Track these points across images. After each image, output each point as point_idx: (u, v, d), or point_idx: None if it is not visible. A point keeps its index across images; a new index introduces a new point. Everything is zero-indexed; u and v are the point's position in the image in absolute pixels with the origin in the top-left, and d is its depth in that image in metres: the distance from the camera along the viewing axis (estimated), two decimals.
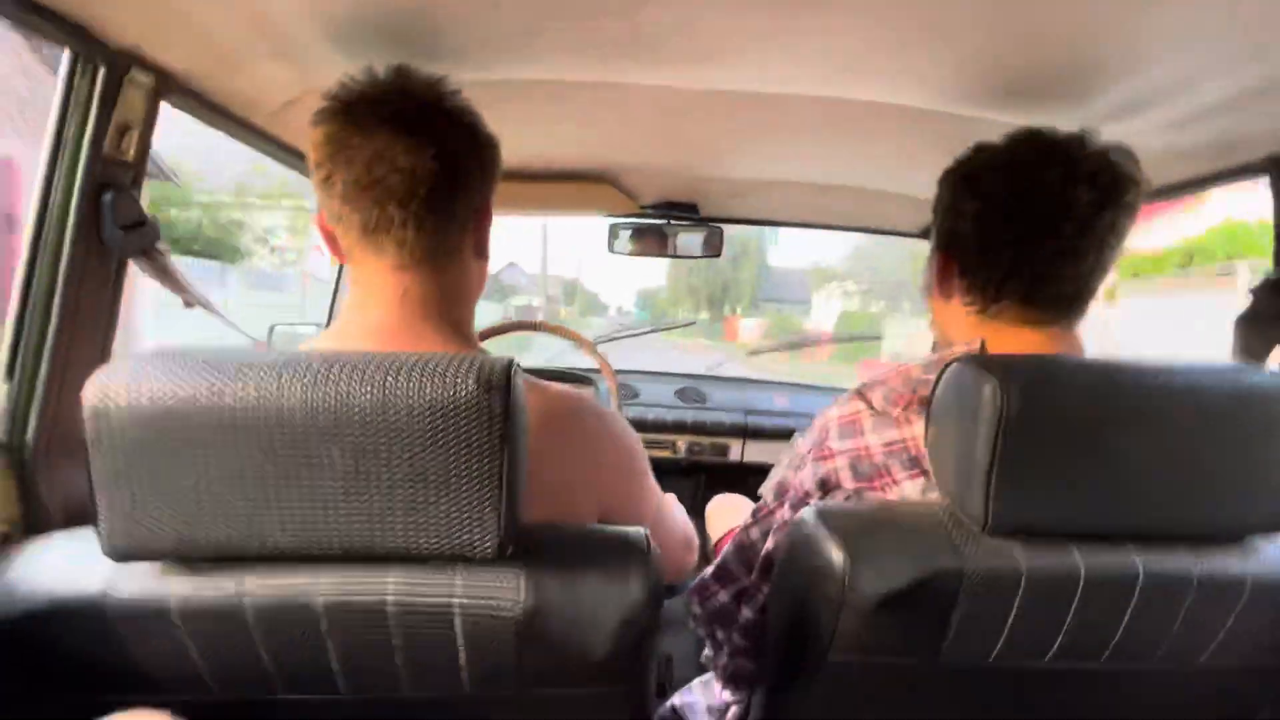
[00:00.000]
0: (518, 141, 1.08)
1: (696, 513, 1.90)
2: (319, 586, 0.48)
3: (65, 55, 0.66)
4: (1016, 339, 0.66)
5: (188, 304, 0.77)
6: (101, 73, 0.66)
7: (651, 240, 1.60)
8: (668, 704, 0.94)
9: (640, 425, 1.77)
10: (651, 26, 0.72)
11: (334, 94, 0.58)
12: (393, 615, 0.48)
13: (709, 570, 0.81)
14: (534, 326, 1.43)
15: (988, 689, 0.61)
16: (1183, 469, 0.53)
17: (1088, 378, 0.52)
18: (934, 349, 0.76)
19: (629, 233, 1.59)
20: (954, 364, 0.56)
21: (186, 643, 0.49)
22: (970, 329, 0.69)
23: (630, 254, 1.62)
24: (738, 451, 1.86)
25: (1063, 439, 0.52)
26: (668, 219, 1.57)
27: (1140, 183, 0.62)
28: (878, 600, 0.54)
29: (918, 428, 0.64)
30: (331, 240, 0.62)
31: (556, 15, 0.71)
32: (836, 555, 0.55)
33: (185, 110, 0.79)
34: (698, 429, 1.85)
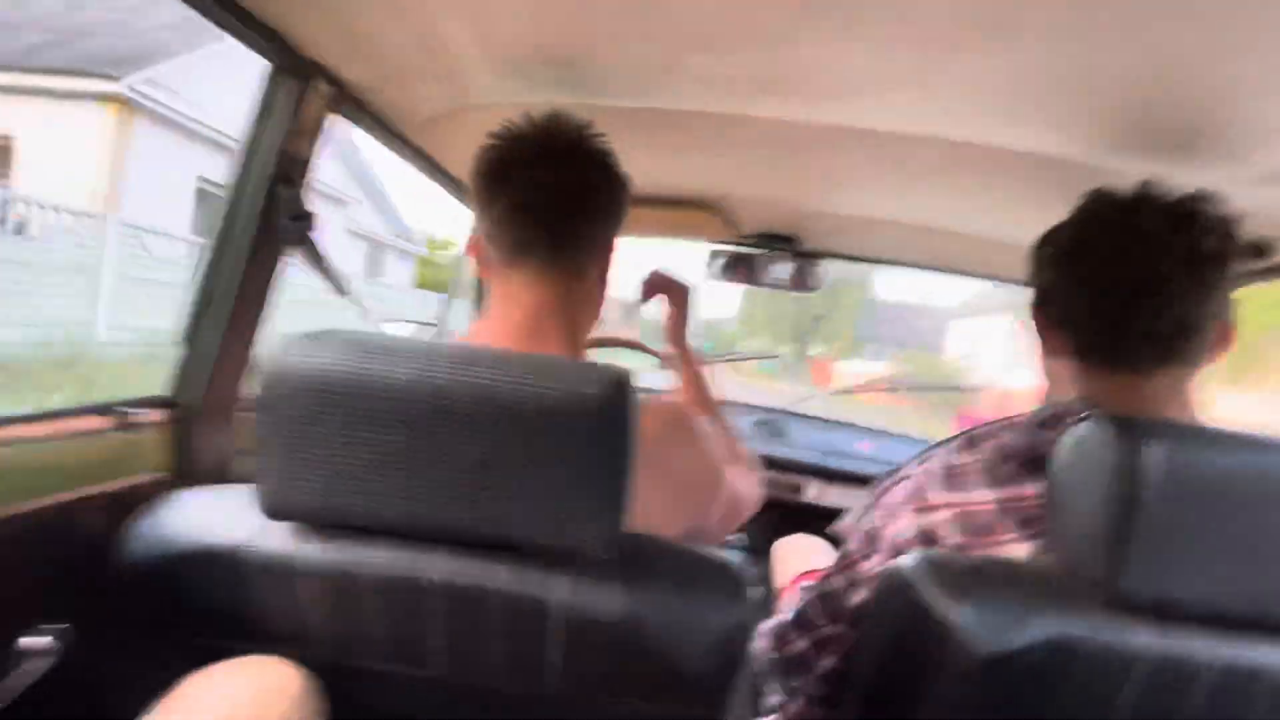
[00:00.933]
0: (632, 166, 1.12)
1: (763, 551, 1.87)
2: (433, 567, 0.51)
3: (266, 66, 0.76)
4: (1126, 392, 0.63)
5: (339, 292, 0.85)
6: (292, 82, 0.75)
7: (745, 269, 1.60)
8: None
9: None
10: (791, 64, 0.74)
11: (497, 134, 0.67)
12: (495, 605, 0.50)
13: (787, 616, 0.79)
14: (629, 344, 1.47)
15: None
16: None
17: (1224, 448, 0.49)
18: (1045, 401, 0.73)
19: (724, 260, 1.61)
20: (1080, 422, 0.54)
21: (306, 603, 0.52)
22: (1081, 384, 0.67)
23: (723, 280, 1.63)
24: (812, 492, 1.81)
25: (1196, 512, 0.48)
26: (766, 249, 1.57)
27: (1246, 249, 0.62)
28: (982, 660, 0.51)
29: (1031, 487, 0.61)
30: (483, 258, 0.71)
31: (702, 49, 0.74)
32: (941, 607, 0.52)
33: (349, 119, 0.88)
34: (773, 464, 1.81)
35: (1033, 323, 0.71)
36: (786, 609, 0.81)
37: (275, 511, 0.51)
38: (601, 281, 0.73)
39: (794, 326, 29.88)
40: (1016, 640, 0.51)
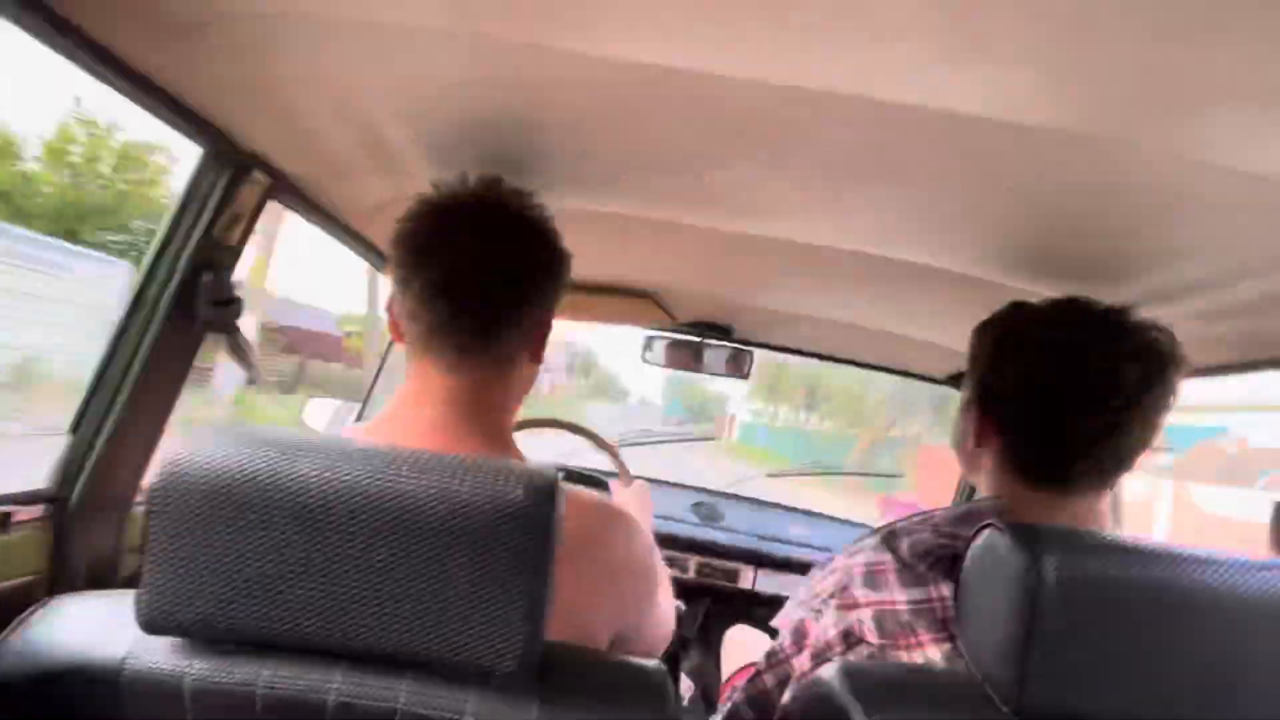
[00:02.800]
0: (573, 258, 1.16)
1: (703, 640, 1.82)
2: (332, 685, 0.47)
3: (198, 152, 0.75)
4: (1049, 505, 0.65)
5: (251, 381, 0.81)
6: (226, 170, 0.75)
7: (683, 354, 1.65)
8: None
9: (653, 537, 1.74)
10: (717, 185, 0.80)
11: (425, 197, 0.62)
12: None
13: (717, 717, 0.77)
14: (565, 425, 1.45)
15: None
16: (1223, 669, 0.51)
17: (1127, 559, 0.51)
18: (960, 496, 0.76)
19: (663, 344, 1.65)
20: (988, 529, 0.55)
21: None
22: (1002, 486, 0.69)
23: (661, 365, 1.66)
24: (748, 578, 1.80)
25: (1100, 623, 0.50)
26: (701, 336, 1.63)
27: (1183, 362, 0.63)
28: None
29: (945, 588, 0.63)
30: (396, 329, 0.65)
31: (634, 166, 0.79)
32: (858, 718, 0.52)
33: (289, 206, 0.88)
34: (709, 550, 1.80)
35: (970, 412, 0.72)
36: (719, 711, 0.78)
37: (154, 624, 0.47)
38: (533, 362, 0.67)
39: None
40: None
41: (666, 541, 1.77)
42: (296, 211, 0.89)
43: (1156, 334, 0.63)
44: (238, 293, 0.76)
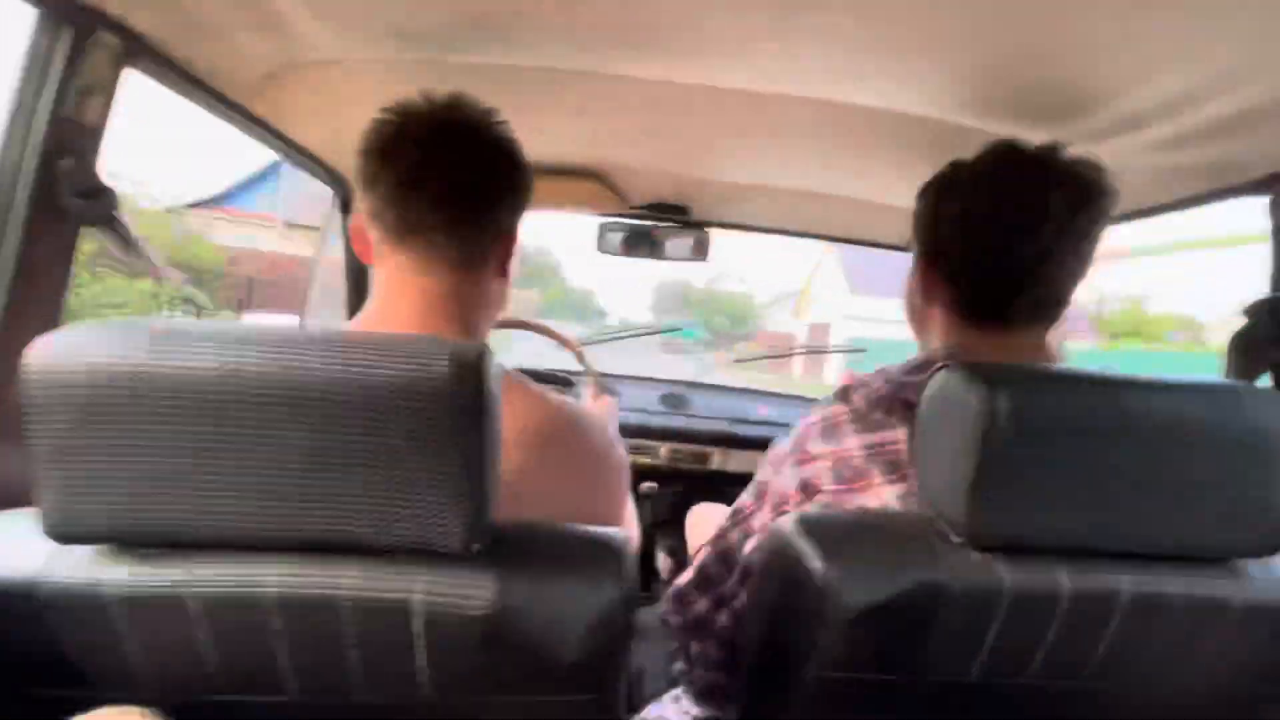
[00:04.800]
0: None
1: (676, 520, 1.89)
2: (270, 578, 0.45)
3: (32, 12, 0.63)
4: (996, 344, 0.66)
5: (151, 275, 0.73)
6: (67, 32, 0.63)
7: (639, 242, 1.58)
8: (637, 718, 0.91)
9: (623, 430, 1.77)
10: (647, 17, 0.71)
11: (390, 109, 0.61)
12: (347, 611, 0.45)
13: (687, 576, 0.79)
14: (530, 326, 1.40)
15: (968, 706, 0.59)
16: (1170, 488, 0.52)
17: (1077, 390, 0.51)
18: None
19: (618, 234, 1.57)
20: (942, 370, 0.54)
21: (124, 636, 0.46)
22: (950, 334, 0.69)
23: (619, 255, 1.60)
24: (719, 460, 1.84)
25: (1050, 452, 0.50)
26: (657, 220, 1.55)
27: (1111, 192, 0.64)
28: (857, 612, 0.52)
29: (900, 431, 0.63)
30: (363, 241, 0.64)
31: (563, 5, 0.68)
32: (816, 565, 0.53)
33: (154, 78, 0.75)
34: (680, 436, 1.84)
35: (916, 271, 0.73)
36: (688, 571, 0.80)
37: (62, 534, 0.44)
38: (501, 274, 0.67)
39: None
40: (887, 590, 0.52)
41: (637, 432, 1.80)
42: (164, 83, 0.77)
43: (1083, 165, 0.64)
44: (106, 180, 0.67)
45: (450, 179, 0.60)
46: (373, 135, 0.61)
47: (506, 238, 0.66)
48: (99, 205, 0.66)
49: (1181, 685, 0.57)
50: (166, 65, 0.74)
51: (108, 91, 0.67)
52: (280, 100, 0.90)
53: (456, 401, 0.42)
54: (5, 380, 0.64)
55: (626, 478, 0.72)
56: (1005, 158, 0.66)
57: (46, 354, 0.42)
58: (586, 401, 1.29)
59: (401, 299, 0.61)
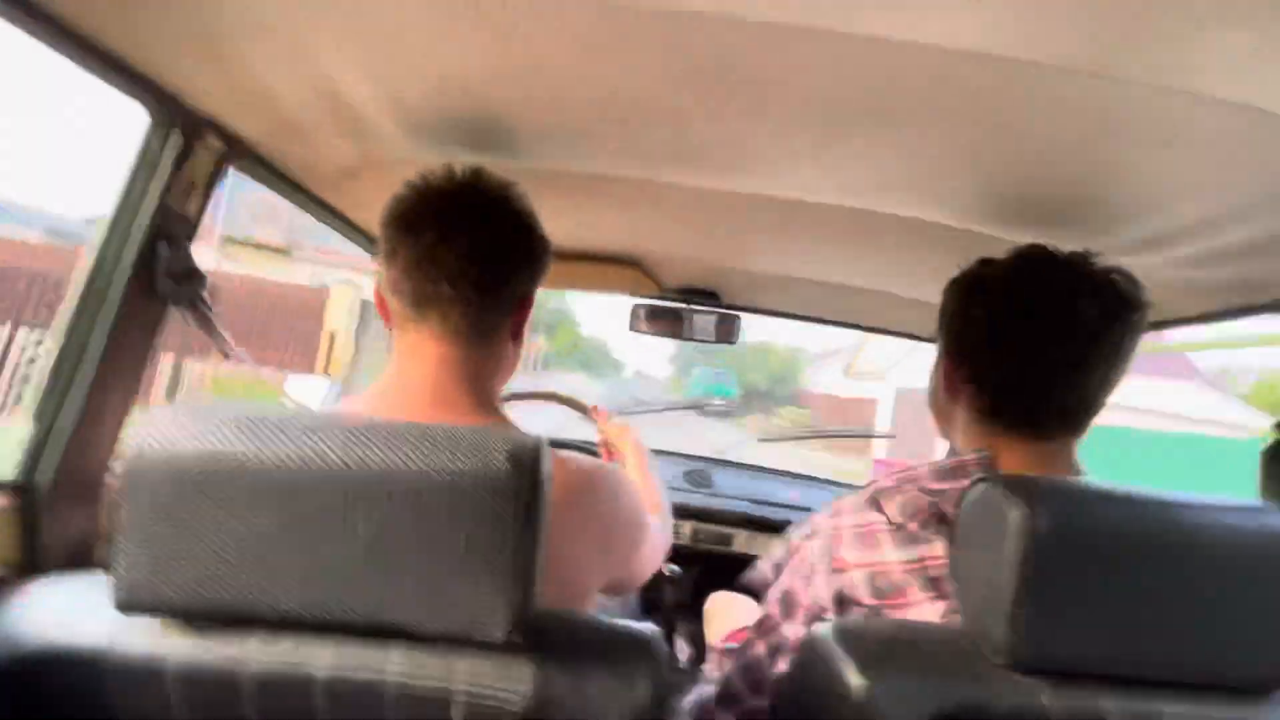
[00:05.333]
0: (553, 224, 1.13)
1: (695, 605, 1.84)
2: (320, 659, 0.46)
3: (144, 114, 0.71)
4: (1022, 451, 0.65)
5: (225, 355, 0.78)
6: (176, 134, 0.71)
7: (670, 322, 1.64)
8: None
9: None
10: (697, 138, 0.77)
11: (413, 183, 0.64)
12: (391, 697, 0.46)
13: (710, 690, 0.76)
14: (552, 397, 1.43)
15: None
16: (1215, 612, 0.51)
17: (1122, 507, 0.51)
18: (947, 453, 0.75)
19: (649, 314, 1.63)
20: (979, 484, 0.55)
21: (179, 708, 0.47)
22: (976, 437, 0.69)
23: (648, 333, 1.65)
24: (741, 542, 1.81)
25: (1094, 572, 0.50)
26: (688, 303, 1.61)
27: (1146, 305, 0.63)
28: None
29: (938, 546, 0.62)
30: (384, 308, 0.67)
31: (609, 119, 0.75)
32: (854, 679, 0.52)
33: (249, 175, 0.84)
34: (702, 515, 1.81)
35: (940, 366, 0.73)
36: (708, 682, 0.78)
37: (130, 604, 0.46)
38: (515, 340, 0.70)
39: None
40: (928, 708, 0.51)
41: None
42: (255, 178, 0.85)
43: (1116, 275, 0.64)
44: (199, 265, 0.73)
45: (469, 255, 0.62)
46: (394, 207, 0.64)
47: (522, 306, 0.68)
48: (189, 288, 0.72)
49: None
50: (261, 164, 0.82)
51: (209, 186, 0.74)
52: (355, 193, 0.98)
53: (513, 494, 0.44)
54: (86, 448, 0.68)
55: (642, 532, 0.72)
56: (1035, 262, 0.66)
57: (146, 433, 0.45)
58: (602, 431, 1.29)
59: (419, 366, 0.63)
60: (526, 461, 0.45)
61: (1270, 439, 0.79)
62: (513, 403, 1.50)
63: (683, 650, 1.66)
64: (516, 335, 0.70)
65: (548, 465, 0.47)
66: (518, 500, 0.44)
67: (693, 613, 1.85)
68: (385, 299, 0.66)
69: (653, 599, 1.64)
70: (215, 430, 0.45)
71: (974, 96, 0.61)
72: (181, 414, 0.46)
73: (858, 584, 0.64)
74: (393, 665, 0.46)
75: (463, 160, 0.83)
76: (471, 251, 0.62)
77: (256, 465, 0.44)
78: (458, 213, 0.62)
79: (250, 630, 0.47)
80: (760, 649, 0.72)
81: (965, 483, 0.58)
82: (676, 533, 1.81)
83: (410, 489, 0.44)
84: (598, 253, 1.34)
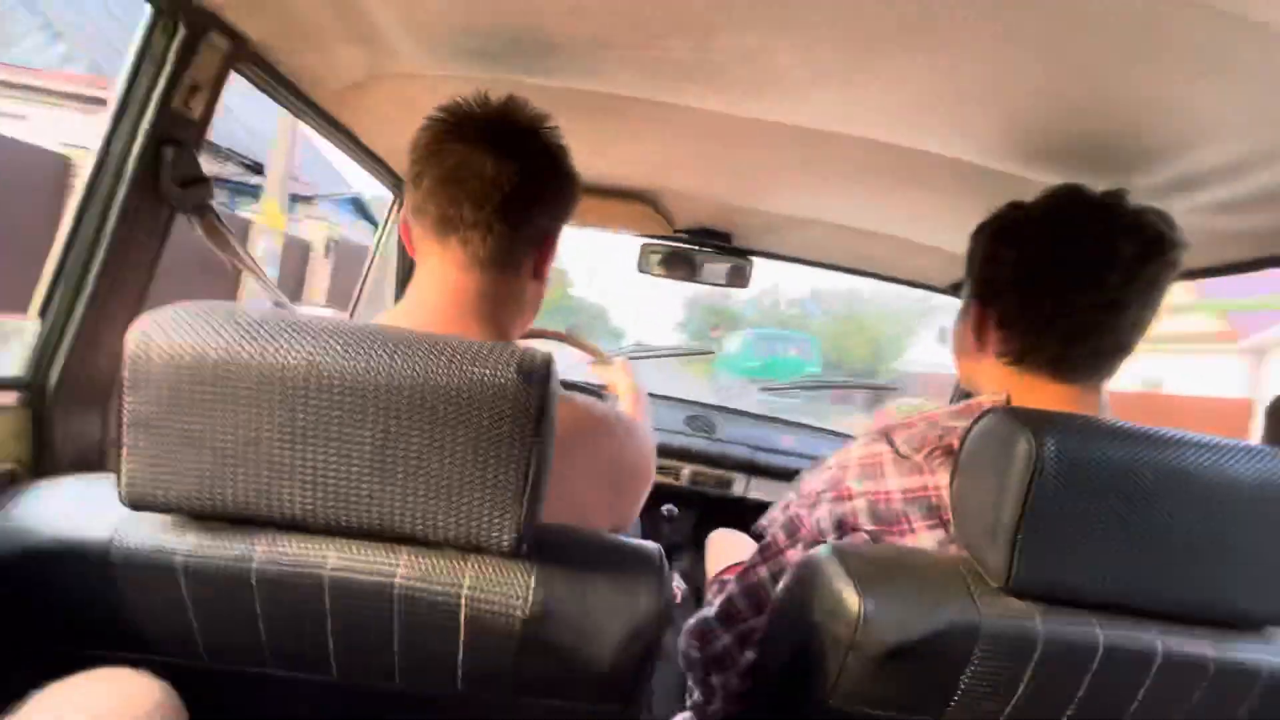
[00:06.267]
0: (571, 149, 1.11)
1: (691, 545, 1.88)
2: (328, 559, 0.47)
3: (146, 8, 0.68)
4: (1046, 393, 0.64)
5: (236, 267, 0.77)
6: (180, 31, 0.68)
7: (680, 264, 1.61)
8: None
9: None
10: (721, 54, 0.73)
11: (444, 107, 0.62)
12: (398, 599, 0.47)
13: (711, 611, 0.78)
14: (564, 338, 1.43)
15: None
16: (1212, 549, 0.52)
17: (1126, 443, 0.51)
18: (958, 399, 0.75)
19: (659, 255, 1.60)
20: (988, 414, 0.55)
21: (186, 603, 0.48)
22: (1000, 381, 0.68)
23: (657, 275, 1.63)
24: (741, 486, 1.84)
25: (1094, 504, 0.50)
26: (700, 245, 1.58)
27: (1182, 244, 0.62)
28: (889, 648, 0.52)
29: (941, 477, 0.63)
30: (408, 235, 0.66)
31: (630, 30, 0.72)
32: (850, 596, 0.53)
33: (251, 81, 0.81)
34: (703, 459, 1.83)
35: (967, 314, 0.71)
36: (710, 605, 0.80)
37: (137, 501, 0.46)
38: (538, 278, 0.68)
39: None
40: (921, 627, 0.52)
41: (661, 452, 1.80)
42: (258, 86, 0.82)
43: (1153, 214, 0.62)
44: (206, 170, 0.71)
45: (494, 179, 0.60)
46: (423, 132, 0.62)
47: (546, 242, 0.67)
48: (196, 194, 0.70)
49: None
50: (267, 69, 0.79)
51: (214, 89, 0.72)
52: (361, 107, 0.95)
53: (521, 406, 0.44)
54: (94, 350, 0.68)
55: (648, 476, 0.73)
56: (1069, 202, 0.64)
57: (147, 332, 0.45)
58: (604, 374, 1.30)
59: (437, 294, 0.62)
60: (537, 373, 0.45)
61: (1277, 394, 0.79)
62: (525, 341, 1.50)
63: (679, 587, 1.71)
64: (539, 274, 0.68)
65: (555, 381, 0.46)
66: (526, 412, 0.44)
67: (687, 552, 1.90)
68: (410, 225, 0.65)
69: (651, 538, 1.67)
70: (221, 329, 0.45)
71: (1012, 12, 0.58)
72: (187, 313, 0.46)
73: (859, 511, 0.65)
74: (401, 568, 0.47)
75: (475, 77, 0.81)
76: (498, 176, 0.60)
77: (261, 365, 0.44)
78: (488, 138, 0.61)
79: (259, 529, 0.47)
80: (763, 572, 0.74)
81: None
82: (676, 475, 1.84)
83: (418, 396, 0.44)
84: (610, 186, 1.31)
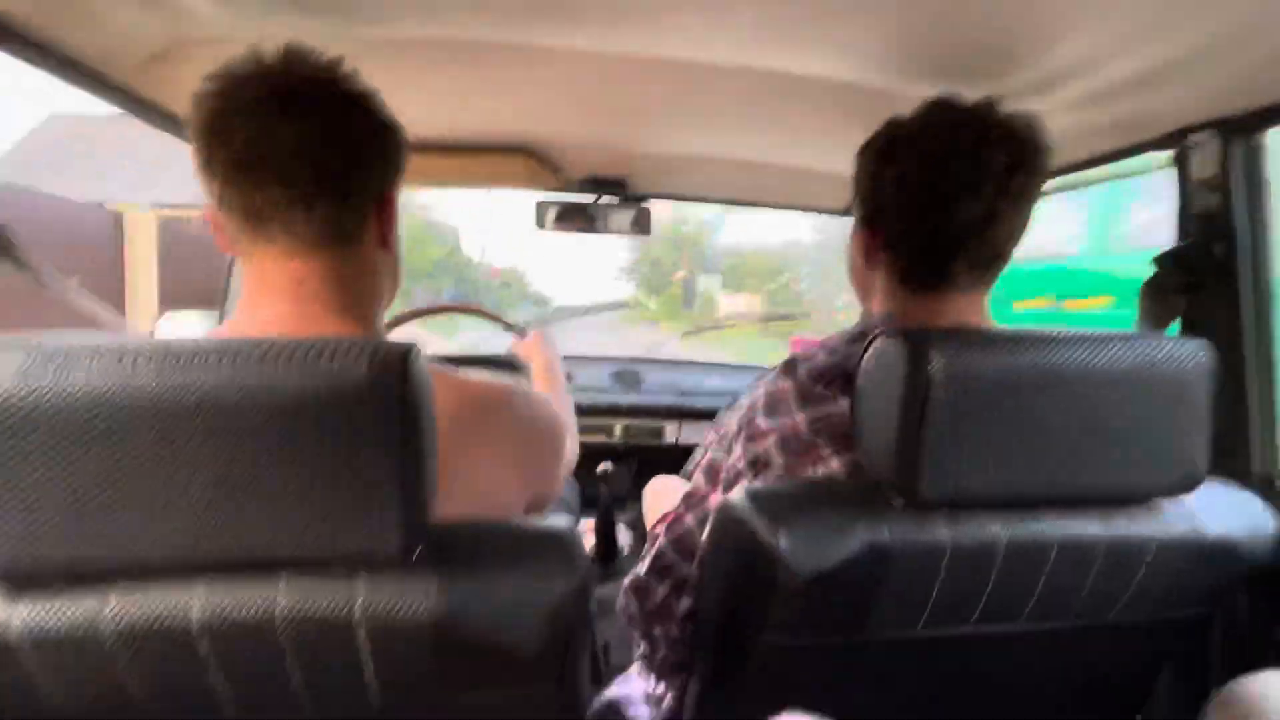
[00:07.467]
0: (425, 109, 0.99)
1: (635, 495, 1.90)
2: (194, 601, 0.42)
3: None
4: (934, 308, 0.67)
5: (40, 284, 0.66)
6: None
7: (577, 217, 1.56)
8: (604, 695, 0.92)
9: (575, 410, 1.77)
10: None
11: (211, 76, 0.53)
12: (284, 629, 0.43)
13: (644, 566, 0.78)
14: (468, 310, 1.35)
15: (914, 658, 0.62)
16: (1095, 436, 0.54)
17: (1003, 348, 0.53)
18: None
19: (554, 210, 1.54)
20: (878, 338, 0.56)
21: (35, 676, 0.42)
22: (891, 299, 0.69)
23: (559, 230, 1.56)
24: (672, 433, 1.86)
25: (981, 411, 0.52)
26: (596, 196, 1.52)
27: (1047, 148, 0.64)
28: (807, 579, 0.53)
29: (842, 403, 0.64)
30: (219, 230, 0.56)
31: None
32: (766, 536, 0.54)
33: (27, 61, 0.68)
34: (632, 412, 1.84)
35: (858, 235, 0.72)
36: (644, 559, 0.80)
37: None
38: (385, 247, 0.61)
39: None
40: (834, 556, 0.53)
41: (590, 411, 1.79)
42: (40, 67, 0.69)
43: (1019, 121, 0.63)
44: None
45: (297, 147, 0.52)
46: (196, 110, 0.53)
47: (381, 204, 0.59)
48: None
49: (1108, 620, 0.62)
50: (37, 49, 0.67)
51: None
52: (170, 80, 0.82)
53: (379, 403, 0.40)
54: None
55: (559, 443, 0.69)
56: (941, 116, 0.65)
57: None
58: (517, 346, 1.25)
59: (270, 290, 0.55)
60: (391, 367, 0.40)
61: (1149, 276, 0.84)
62: (425, 319, 1.42)
63: (626, 537, 1.73)
64: (386, 241, 0.61)
65: (419, 369, 0.42)
66: (386, 407, 0.40)
67: (632, 503, 1.93)
68: (216, 220, 0.56)
69: (591, 496, 1.68)
70: (12, 362, 0.38)
71: None
72: None
73: (770, 448, 0.66)
74: (282, 597, 0.43)
75: (296, 37, 0.71)
76: (300, 143, 0.52)
77: (54, 404, 0.38)
78: (274, 106, 0.52)
79: (108, 583, 0.42)
80: (689, 520, 0.75)
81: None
82: (609, 432, 1.83)
83: (256, 407, 0.39)
84: (484, 142, 1.23)
